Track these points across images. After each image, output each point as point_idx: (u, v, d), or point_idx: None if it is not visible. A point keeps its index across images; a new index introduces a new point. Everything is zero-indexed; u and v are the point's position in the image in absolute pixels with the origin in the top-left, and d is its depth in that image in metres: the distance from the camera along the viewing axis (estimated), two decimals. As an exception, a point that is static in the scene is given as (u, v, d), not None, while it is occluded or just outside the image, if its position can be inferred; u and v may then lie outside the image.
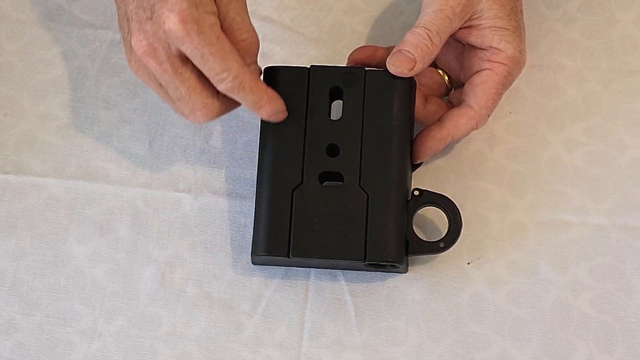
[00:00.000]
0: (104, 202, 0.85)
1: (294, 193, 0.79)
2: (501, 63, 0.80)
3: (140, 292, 0.82)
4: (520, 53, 0.81)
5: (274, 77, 0.81)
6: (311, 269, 0.82)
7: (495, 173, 0.85)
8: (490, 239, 0.82)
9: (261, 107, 0.77)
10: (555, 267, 0.81)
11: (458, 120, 0.81)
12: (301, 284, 0.82)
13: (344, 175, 0.79)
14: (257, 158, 0.80)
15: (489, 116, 0.81)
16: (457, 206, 0.80)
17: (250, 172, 0.85)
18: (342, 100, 0.80)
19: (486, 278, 0.81)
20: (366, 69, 0.81)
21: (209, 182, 0.85)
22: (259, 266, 0.82)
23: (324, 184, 0.79)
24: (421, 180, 0.84)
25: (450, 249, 0.80)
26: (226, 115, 0.87)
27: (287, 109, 0.80)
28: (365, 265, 0.78)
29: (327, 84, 0.80)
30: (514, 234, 0.82)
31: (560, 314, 0.80)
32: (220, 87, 0.76)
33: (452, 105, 0.84)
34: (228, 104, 0.78)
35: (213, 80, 0.76)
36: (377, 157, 0.79)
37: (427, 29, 0.79)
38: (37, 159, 0.87)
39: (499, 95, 0.81)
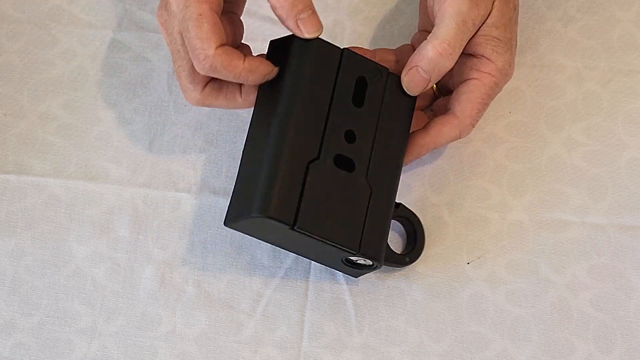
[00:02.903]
0: (104, 202, 0.85)
1: (310, 166, 0.76)
2: (489, 74, 0.80)
3: (140, 292, 0.82)
4: (510, 65, 0.80)
5: (308, 47, 0.78)
6: (311, 268, 0.82)
7: (495, 173, 0.85)
8: (490, 238, 0.82)
9: (245, 80, 0.77)
10: (554, 266, 0.81)
11: (442, 128, 0.81)
12: (301, 284, 0.82)
13: (356, 165, 0.78)
14: (268, 117, 0.78)
15: (473, 126, 0.81)
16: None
17: (250, 172, 0.85)
18: (364, 91, 0.79)
19: (486, 278, 0.81)
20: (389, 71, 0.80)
21: (209, 182, 0.85)
22: (259, 266, 0.82)
23: None
24: (421, 180, 0.84)
25: (451, 251, 0.81)
26: (226, 115, 0.88)
27: (316, 82, 0.78)
28: (345, 260, 0.78)
29: (355, 72, 0.79)
30: (513, 234, 0.82)
31: (560, 313, 0.80)
32: (196, 67, 0.76)
33: (434, 114, 0.83)
34: (211, 97, 0.79)
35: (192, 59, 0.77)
36: (384, 157, 0.78)
37: (451, 46, 0.78)
38: (37, 159, 0.87)
39: (484, 105, 0.81)
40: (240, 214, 0.76)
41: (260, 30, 0.91)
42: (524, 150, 0.85)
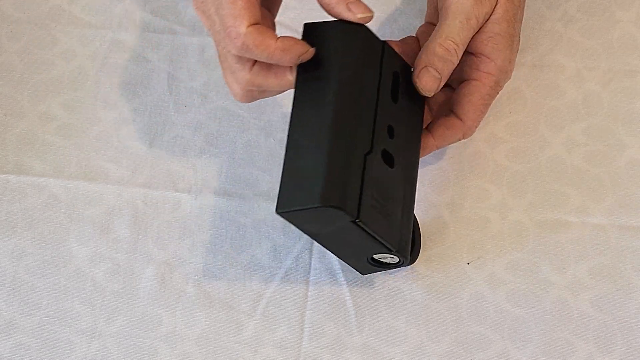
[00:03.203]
0: (104, 202, 0.85)
1: (367, 158, 0.74)
2: (489, 73, 0.80)
3: (140, 292, 0.82)
4: (509, 62, 0.80)
5: (356, 34, 0.76)
6: (311, 268, 0.82)
7: (495, 173, 0.85)
8: (490, 238, 0.82)
9: (279, 60, 0.74)
10: (554, 267, 0.81)
11: (445, 131, 0.80)
12: (301, 284, 0.82)
13: (395, 162, 0.76)
14: (318, 104, 0.75)
15: (476, 127, 0.81)
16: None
17: (250, 172, 0.85)
18: (397, 87, 0.78)
19: (486, 278, 0.81)
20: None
21: (209, 182, 0.85)
22: (259, 266, 0.82)
23: None
24: (422, 180, 0.84)
25: (451, 251, 0.81)
26: (226, 115, 0.88)
27: (365, 72, 0.76)
28: (370, 259, 0.77)
29: (392, 67, 0.78)
30: (513, 234, 0.82)
31: (560, 313, 0.80)
32: (228, 46, 0.74)
33: (429, 106, 0.83)
34: (261, 76, 0.76)
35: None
36: (409, 154, 0.77)
37: (455, 43, 0.78)
38: (37, 159, 0.87)
39: (486, 106, 0.81)
40: (299, 202, 0.72)
41: (260, 30, 0.91)
42: (524, 150, 0.85)
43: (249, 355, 0.80)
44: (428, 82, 0.78)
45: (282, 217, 0.73)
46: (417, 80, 0.78)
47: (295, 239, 0.83)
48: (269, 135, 0.87)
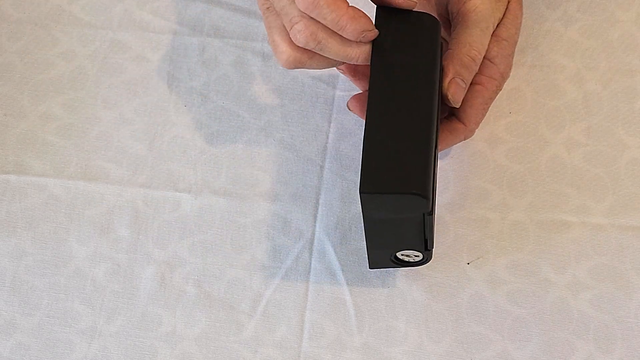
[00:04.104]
0: (104, 202, 0.85)
1: (436, 152, 0.73)
2: (492, 78, 0.80)
3: (140, 292, 0.82)
4: (510, 68, 0.81)
5: (436, 30, 0.76)
6: (311, 269, 0.82)
7: (495, 173, 0.85)
8: (490, 239, 0.82)
9: (344, 27, 0.72)
10: (554, 266, 0.81)
11: (448, 135, 0.81)
12: (301, 284, 0.82)
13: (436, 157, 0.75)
14: (410, 91, 0.74)
15: (477, 129, 0.81)
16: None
17: (250, 172, 0.85)
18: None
19: (486, 278, 0.81)
20: None
21: (209, 182, 0.85)
22: (259, 266, 0.82)
23: None
24: (421, 180, 0.84)
25: (451, 251, 0.81)
26: (226, 115, 0.88)
27: (437, 60, 0.75)
28: (393, 257, 0.78)
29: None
30: (513, 234, 0.82)
31: (560, 313, 0.80)
32: (297, 4, 0.71)
33: None
34: (327, 32, 0.73)
35: None
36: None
37: (479, 51, 0.78)
38: (37, 159, 0.87)
39: (487, 109, 0.81)
40: (387, 186, 0.70)
41: (260, 29, 0.91)
42: (524, 150, 0.85)
43: (249, 355, 0.80)
44: (457, 92, 0.78)
45: (363, 197, 0.71)
46: (447, 92, 0.78)
47: (295, 239, 0.83)
48: (269, 135, 0.87)
